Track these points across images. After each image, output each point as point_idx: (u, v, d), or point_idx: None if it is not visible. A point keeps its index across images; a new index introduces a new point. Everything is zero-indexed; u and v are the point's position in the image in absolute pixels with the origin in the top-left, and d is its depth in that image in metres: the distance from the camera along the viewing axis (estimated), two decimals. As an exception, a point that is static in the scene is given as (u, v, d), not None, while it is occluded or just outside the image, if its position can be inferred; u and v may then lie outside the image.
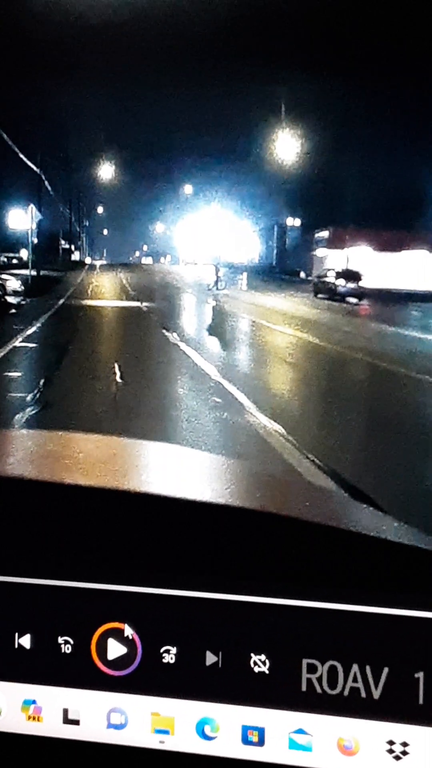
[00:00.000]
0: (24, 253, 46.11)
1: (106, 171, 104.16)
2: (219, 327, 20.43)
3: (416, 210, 62.54)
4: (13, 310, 22.09)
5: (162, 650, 0.97)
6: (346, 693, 0.93)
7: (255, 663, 0.95)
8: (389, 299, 40.68)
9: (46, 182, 57.90)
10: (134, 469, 1.32)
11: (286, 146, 72.40)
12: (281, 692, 0.95)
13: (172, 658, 0.97)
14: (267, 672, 0.95)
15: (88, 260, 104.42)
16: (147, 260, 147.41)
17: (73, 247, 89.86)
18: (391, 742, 0.93)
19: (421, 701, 0.92)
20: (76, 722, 0.99)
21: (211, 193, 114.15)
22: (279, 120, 71.87)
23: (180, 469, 1.35)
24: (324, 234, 67.42)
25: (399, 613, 0.92)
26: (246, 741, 0.96)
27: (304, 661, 0.94)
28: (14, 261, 47.94)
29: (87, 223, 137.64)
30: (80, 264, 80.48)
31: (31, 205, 36.69)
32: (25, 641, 1.00)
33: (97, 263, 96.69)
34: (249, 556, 0.97)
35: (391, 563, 0.95)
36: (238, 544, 0.98)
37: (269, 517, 1.01)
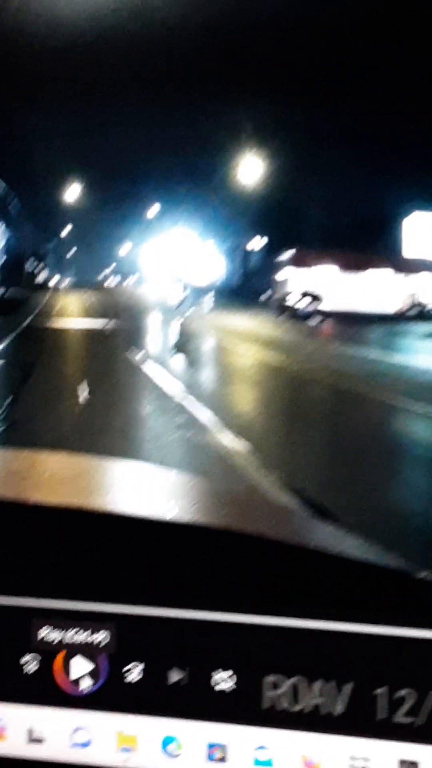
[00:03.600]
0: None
1: (73, 191, 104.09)
2: (184, 347, 20.43)
3: (380, 230, 63.20)
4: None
5: (126, 668, 0.96)
6: (308, 709, 0.93)
7: (219, 680, 0.95)
8: (352, 320, 40.96)
9: (14, 202, 57.71)
10: (100, 487, 1.32)
11: (250, 168, 72.91)
12: (245, 709, 0.94)
13: (136, 676, 0.96)
14: (231, 689, 0.95)
15: (54, 280, 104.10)
16: (113, 280, 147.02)
17: (39, 267, 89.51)
18: (353, 758, 0.93)
19: (382, 716, 0.92)
20: (40, 741, 0.98)
21: (177, 214, 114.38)
22: (243, 142, 72.40)
23: (145, 487, 1.35)
24: (288, 255, 67.82)
25: (361, 630, 0.93)
26: (210, 758, 0.95)
27: (268, 678, 0.94)
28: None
29: (54, 243, 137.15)
30: (47, 284, 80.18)
31: (-2, 225, 36.49)
32: None
33: (64, 283, 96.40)
34: (212, 574, 0.97)
35: (353, 581, 0.96)
36: (202, 562, 0.98)
37: (233, 534, 1.01)
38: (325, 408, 11.77)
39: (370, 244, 62.16)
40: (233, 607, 0.95)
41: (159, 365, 15.08)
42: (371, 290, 62.63)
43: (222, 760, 0.95)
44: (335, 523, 1.35)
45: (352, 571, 0.97)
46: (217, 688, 0.95)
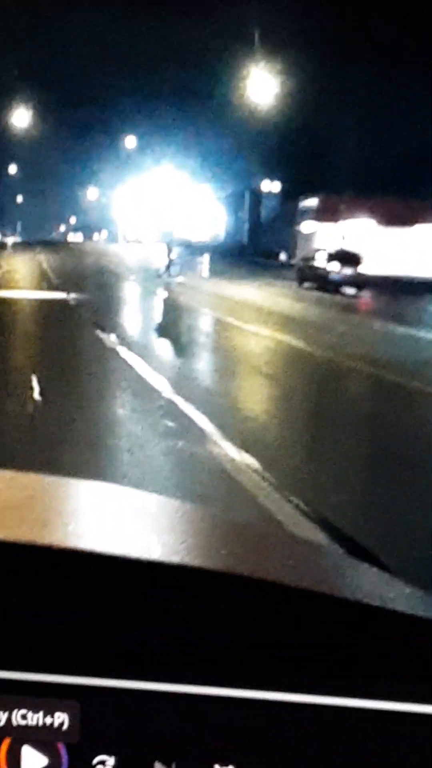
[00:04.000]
0: None
1: (21, 118, 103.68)
2: (172, 327, 20.43)
3: (433, 171, 63.14)
4: None
5: (95, 762, 0.96)
6: None
7: None
8: (399, 289, 40.97)
9: None
10: (58, 516, 1.32)
11: (262, 86, 72.70)
12: None
13: None
14: None
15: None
16: (76, 237, 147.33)
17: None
18: None
19: None
20: None
21: (162, 147, 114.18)
22: (252, 51, 72.23)
23: (119, 516, 1.35)
24: (312, 203, 67.83)
25: (415, 710, 0.92)
26: None
27: None
28: None
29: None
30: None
31: None
32: None
33: (9, 240, 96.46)
34: (211, 634, 0.97)
35: (402, 641, 0.95)
36: (196, 618, 0.98)
37: (239, 580, 1.01)
38: (364, 409, 11.77)
39: (419, 189, 62.04)
40: (238, 679, 0.95)
41: (137, 352, 15.09)
42: (426, 248, 62.59)
43: None
44: (376, 563, 1.35)
45: (399, 628, 0.96)
46: None
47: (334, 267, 39.95)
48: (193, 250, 66.86)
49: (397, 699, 0.92)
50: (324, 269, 40.19)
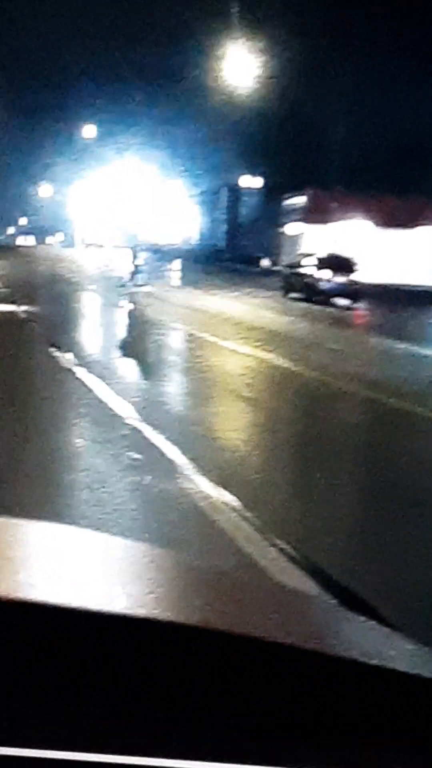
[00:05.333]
0: None
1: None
2: (138, 344, 20.46)
3: (438, 165, 63.45)
4: None
5: None
6: None
7: None
8: (399, 300, 41.10)
9: None
10: (6, 563, 1.32)
11: (241, 66, 72.91)
12: None
13: None
14: None
15: None
16: (26, 240, 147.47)
17: None
18: None
19: None
20: None
21: (126, 137, 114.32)
22: (229, 27, 72.51)
23: (77, 562, 1.35)
24: (299, 201, 68.06)
25: None
26: None
27: None
28: None
29: None
30: None
31: None
32: None
33: None
34: (182, 698, 0.97)
35: (404, 704, 0.96)
36: (165, 680, 0.98)
37: (216, 636, 1.01)
38: (360, 438, 11.79)
39: (422, 185, 62.35)
40: (214, 752, 0.94)
41: (98, 373, 15.09)
42: (429, 253, 62.85)
43: None
44: (373, 617, 1.35)
45: (400, 690, 0.97)
46: None
47: (325, 275, 40.10)
48: (161, 255, 67.08)
49: None
50: (313, 277, 40.32)
